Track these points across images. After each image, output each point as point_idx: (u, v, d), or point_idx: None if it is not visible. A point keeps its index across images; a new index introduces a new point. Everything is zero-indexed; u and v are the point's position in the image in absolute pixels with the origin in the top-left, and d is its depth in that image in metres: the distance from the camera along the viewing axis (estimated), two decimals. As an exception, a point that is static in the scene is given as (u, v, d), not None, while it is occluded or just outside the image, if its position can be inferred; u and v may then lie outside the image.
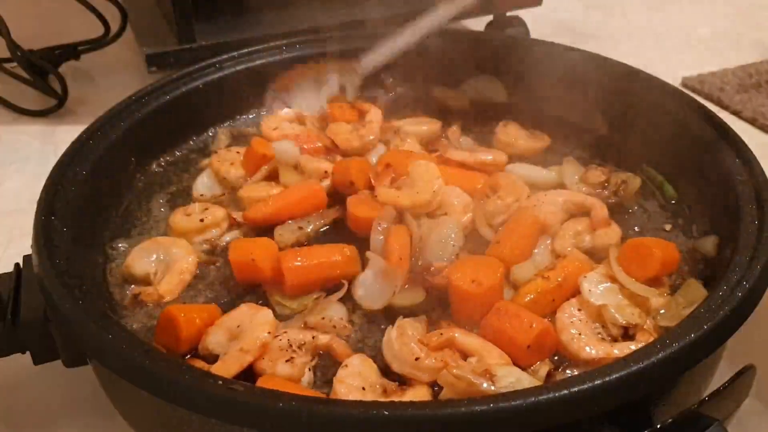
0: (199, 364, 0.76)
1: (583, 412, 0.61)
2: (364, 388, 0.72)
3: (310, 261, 0.85)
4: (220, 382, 0.63)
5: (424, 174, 0.96)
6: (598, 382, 0.61)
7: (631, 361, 0.63)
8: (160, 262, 0.90)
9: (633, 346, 0.75)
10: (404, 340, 0.75)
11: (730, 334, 0.69)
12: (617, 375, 0.62)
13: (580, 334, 0.77)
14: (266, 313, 0.80)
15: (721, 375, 0.69)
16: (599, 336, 0.78)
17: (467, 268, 0.83)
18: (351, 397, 0.71)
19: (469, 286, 0.80)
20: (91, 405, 0.89)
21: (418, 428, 0.59)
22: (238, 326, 0.79)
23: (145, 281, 0.89)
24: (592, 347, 0.76)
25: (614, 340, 0.78)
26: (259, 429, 0.61)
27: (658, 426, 0.61)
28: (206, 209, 0.98)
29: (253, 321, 0.79)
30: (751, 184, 0.86)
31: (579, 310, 0.80)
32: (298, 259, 0.85)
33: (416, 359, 0.73)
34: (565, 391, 0.60)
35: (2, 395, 0.92)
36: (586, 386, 0.61)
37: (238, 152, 1.08)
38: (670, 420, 0.61)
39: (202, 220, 0.95)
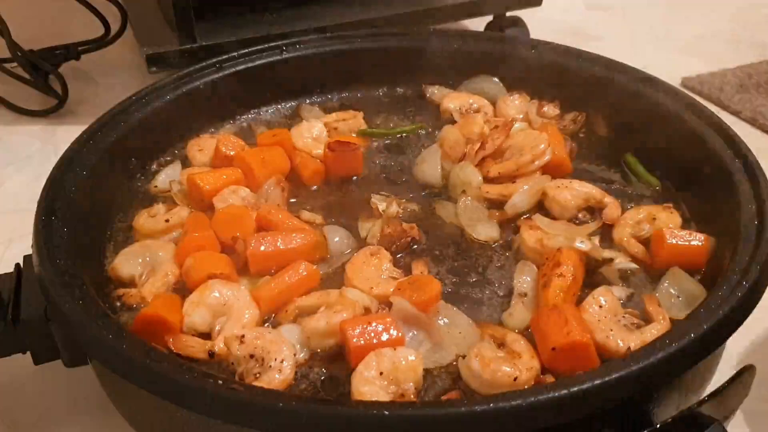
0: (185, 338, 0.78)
1: (583, 412, 0.61)
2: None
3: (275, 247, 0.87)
4: (220, 382, 0.63)
5: None
6: (598, 382, 0.61)
7: (631, 361, 0.63)
8: (146, 264, 0.89)
9: (654, 330, 0.76)
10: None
11: (730, 334, 0.69)
12: (617, 375, 0.62)
13: (611, 330, 0.77)
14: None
15: (721, 375, 0.69)
16: (625, 327, 0.78)
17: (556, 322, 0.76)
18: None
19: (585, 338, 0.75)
20: (92, 405, 0.90)
21: (418, 428, 0.59)
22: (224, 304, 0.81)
23: (132, 283, 0.88)
24: (628, 340, 0.76)
25: (637, 326, 0.79)
26: (259, 429, 0.61)
27: (658, 426, 0.62)
28: (170, 209, 0.97)
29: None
30: (750, 184, 0.86)
31: (600, 307, 0.80)
32: (263, 245, 0.87)
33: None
34: (565, 391, 0.60)
35: (2, 395, 0.92)
36: (586, 386, 0.61)
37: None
38: (670, 420, 0.62)
39: (167, 221, 0.94)
